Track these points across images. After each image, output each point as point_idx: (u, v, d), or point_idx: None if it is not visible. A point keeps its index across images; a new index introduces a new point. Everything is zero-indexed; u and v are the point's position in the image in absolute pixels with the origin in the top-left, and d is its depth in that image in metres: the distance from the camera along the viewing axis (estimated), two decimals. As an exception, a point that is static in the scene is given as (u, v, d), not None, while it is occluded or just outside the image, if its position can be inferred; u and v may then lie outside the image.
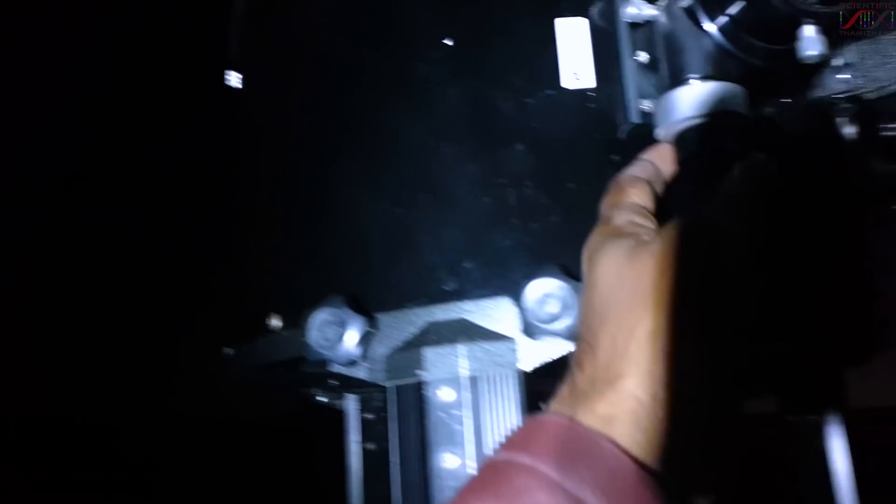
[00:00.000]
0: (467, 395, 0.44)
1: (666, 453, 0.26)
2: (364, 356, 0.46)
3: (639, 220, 0.32)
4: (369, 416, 0.56)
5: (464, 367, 0.44)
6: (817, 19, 0.37)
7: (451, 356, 0.44)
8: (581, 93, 0.47)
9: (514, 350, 0.43)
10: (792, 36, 0.38)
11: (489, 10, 0.49)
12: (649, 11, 0.42)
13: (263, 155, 0.60)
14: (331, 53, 0.54)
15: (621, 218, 0.33)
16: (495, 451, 0.27)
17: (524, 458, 0.25)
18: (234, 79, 0.67)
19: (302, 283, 0.53)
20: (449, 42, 0.49)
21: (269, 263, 0.57)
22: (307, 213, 0.54)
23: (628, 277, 0.28)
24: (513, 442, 0.27)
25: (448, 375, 0.44)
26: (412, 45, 0.50)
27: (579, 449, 0.25)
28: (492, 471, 0.26)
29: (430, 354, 0.44)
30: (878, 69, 0.51)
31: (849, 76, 0.51)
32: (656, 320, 0.27)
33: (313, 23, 0.57)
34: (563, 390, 0.29)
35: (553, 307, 0.41)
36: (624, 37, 0.44)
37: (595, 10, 0.47)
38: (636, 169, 0.38)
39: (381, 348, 0.46)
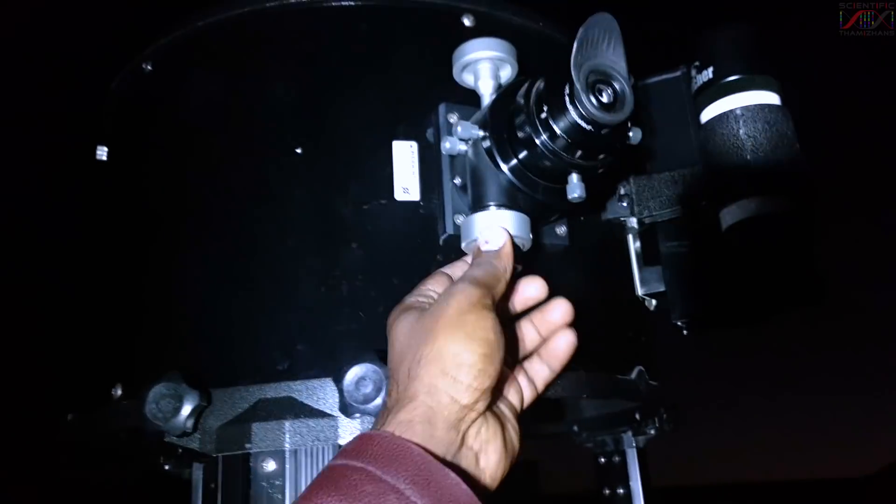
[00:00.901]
0: (289, 467, 0.49)
1: (452, 444, 0.38)
2: (195, 428, 0.50)
3: (426, 299, 0.44)
4: (213, 485, 0.59)
5: (288, 441, 0.49)
6: (580, 169, 0.47)
7: (277, 431, 0.49)
8: (410, 204, 0.55)
9: (333, 427, 0.49)
10: (565, 179, 0.48)
11: (337, 126, 0.57)
12: (461, 147, 0.51)
13: (116, 228, 0.64)
14: (192, 142, 0.60)
15: (413, 299, 0.45)
16: (332, 460, 0.36)
17: (356, 462, 0.35)
18: (102, 152, 0.71)
19: (144, 355, 0.57)
20: (299, 150, 0.56)
21: (115, 334, 0.60)
22: (155, 288, 0.58)
23: (416, 332, 0.41)
24: (345, 451, 0.36)
25: (273, 448, 0.49)
26: (267, 148, 0.57)
27: (393, 452, 0.35)
28: (330, 472, 0.35)
29: (258, 429, 0.49)
30: (652, 200, 0.63)
31: (628, 203, 0.63)
32: (434, 349, 0.39)
33: (182, 111, 0.62)
34: (381, 413, 0.40)
35: (368, 389, 0.48)
36: (444, 164, 0.53)
37: (429, 131, 0.56)
38: (446, 267, 0.48)
39: (212, 421, 0.50)
